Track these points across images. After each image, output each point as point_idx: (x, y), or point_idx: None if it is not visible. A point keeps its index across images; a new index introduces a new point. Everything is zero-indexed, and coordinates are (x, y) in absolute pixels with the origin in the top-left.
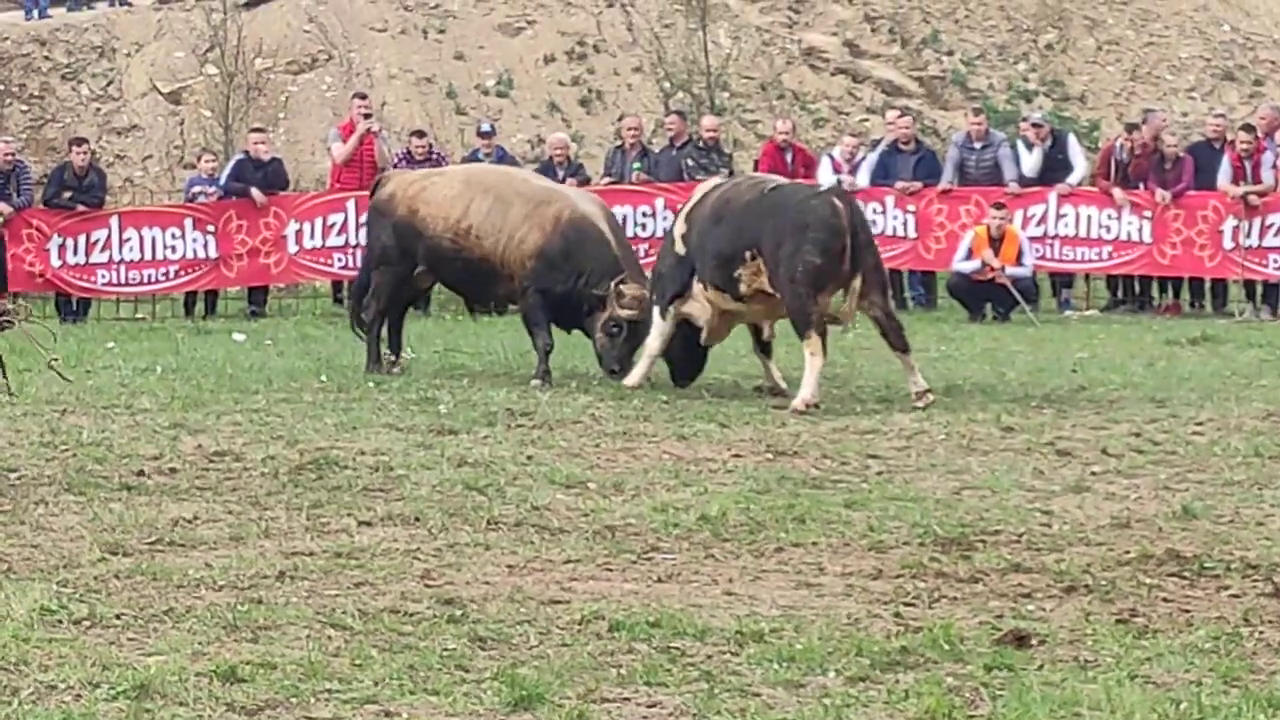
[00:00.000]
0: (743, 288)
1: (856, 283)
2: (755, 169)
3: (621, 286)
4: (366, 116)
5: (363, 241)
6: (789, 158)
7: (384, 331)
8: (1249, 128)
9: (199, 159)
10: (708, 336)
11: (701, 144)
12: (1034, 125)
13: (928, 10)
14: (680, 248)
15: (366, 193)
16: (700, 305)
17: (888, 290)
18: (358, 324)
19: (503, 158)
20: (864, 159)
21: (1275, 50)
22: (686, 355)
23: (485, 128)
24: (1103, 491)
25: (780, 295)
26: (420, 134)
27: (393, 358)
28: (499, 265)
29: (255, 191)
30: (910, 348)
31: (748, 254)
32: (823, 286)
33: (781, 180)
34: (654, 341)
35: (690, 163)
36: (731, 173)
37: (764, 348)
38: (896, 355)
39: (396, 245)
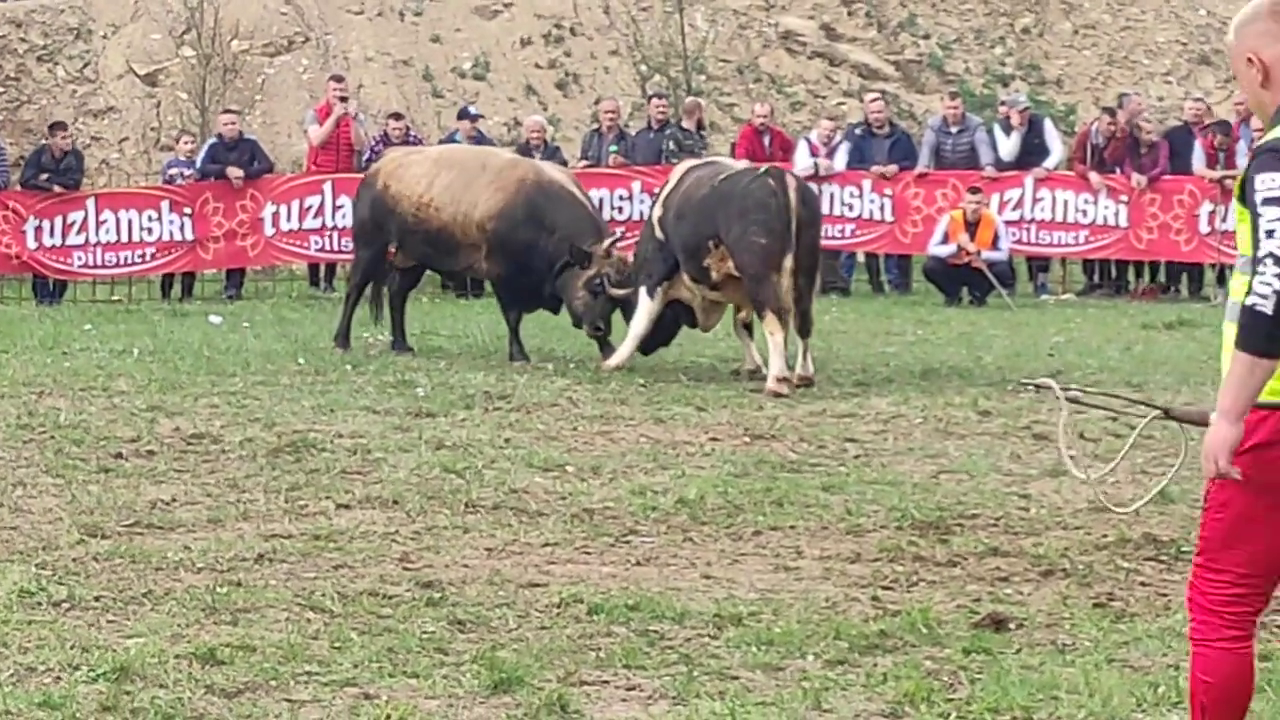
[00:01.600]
0: (714, 275)
1: (788, 261)
2: (732, 152)
3: (608, 248)
4: (343, 99)
5: (339, 224)
6: (766, 141)
7: (357, 310)
8: (1224, 124)
9: (178, 140)
10: (704, 321)
11: (684, 127)
12: (1016, 109)
13: None
14: (659, 233)
15: (343, 175)
16: (686, 293)
17: (815, 275)
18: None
19: (480, 141)
20: (840, 143)
21: None
22: (655, 328)
23: (472, 110)
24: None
25: (741, 276)
26: (397, 116)
27: (384, 338)
28: (459, 233)
29: (232, 171)
30: (811, 333)
31: (710, 244)
32: (776, 264)
33: (732, 168)
34: (639, 323)
35: (672, 145)
36: (699, 152)
37: (745, 328)
38: (796, 336)
39: (371, 220)
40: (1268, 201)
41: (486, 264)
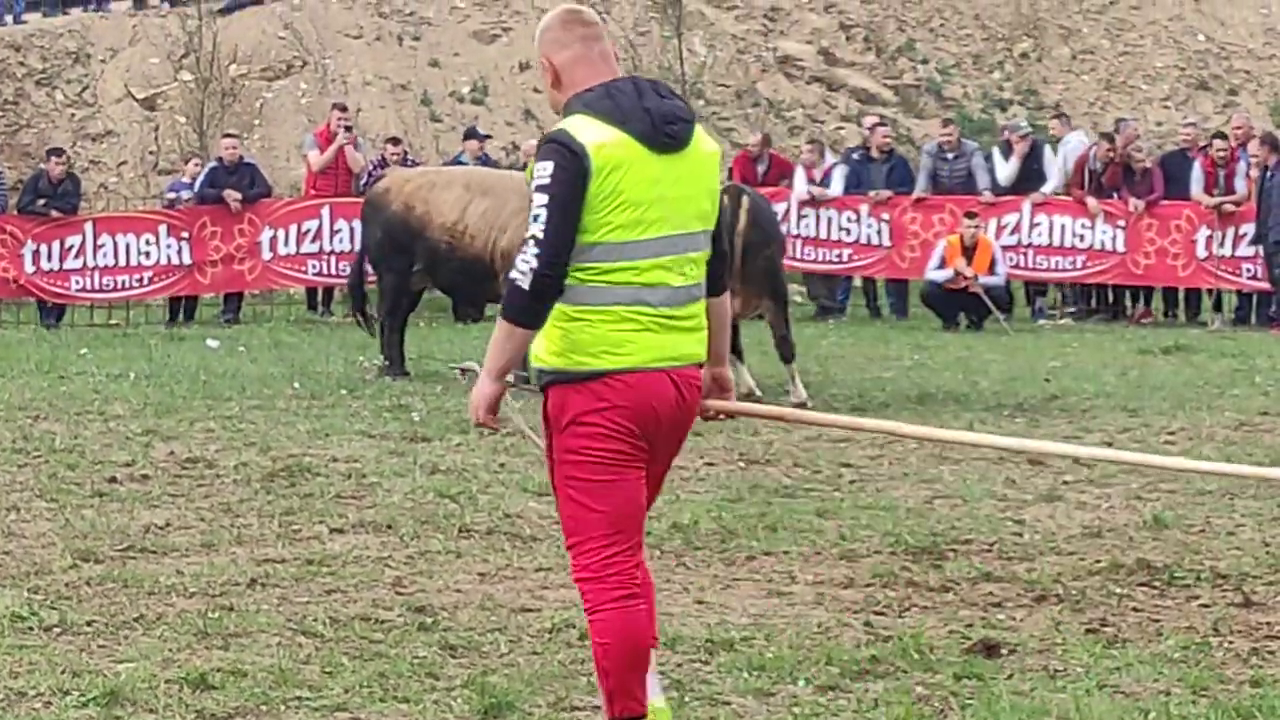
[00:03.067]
0: None
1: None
2: (729, 178)
3: None
4: (348, 129)
5: (337, 248)
6: (761, 169)
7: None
8: (1222, 135)
9: (186, 162)
10: None
11: None
12: (1017, 134)
13: (903, 19)
14: None
15: (341, 199)
16: None
17: (782, 298)
18: (366, 319)
19: (485, 163)
20: (835, 165)
21: (1249, 60)
22: None
23: (482, 132)
24: (1074, 501)
25: None
26: (395, 141)
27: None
28: (489, 261)
29: (229, 194)
30: (794, 357)
31: None
32: None
33: None
34: None
35: None
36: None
37: (734, 353)
38: (780, 364)
39: (390, 242)
40: (539, 188)
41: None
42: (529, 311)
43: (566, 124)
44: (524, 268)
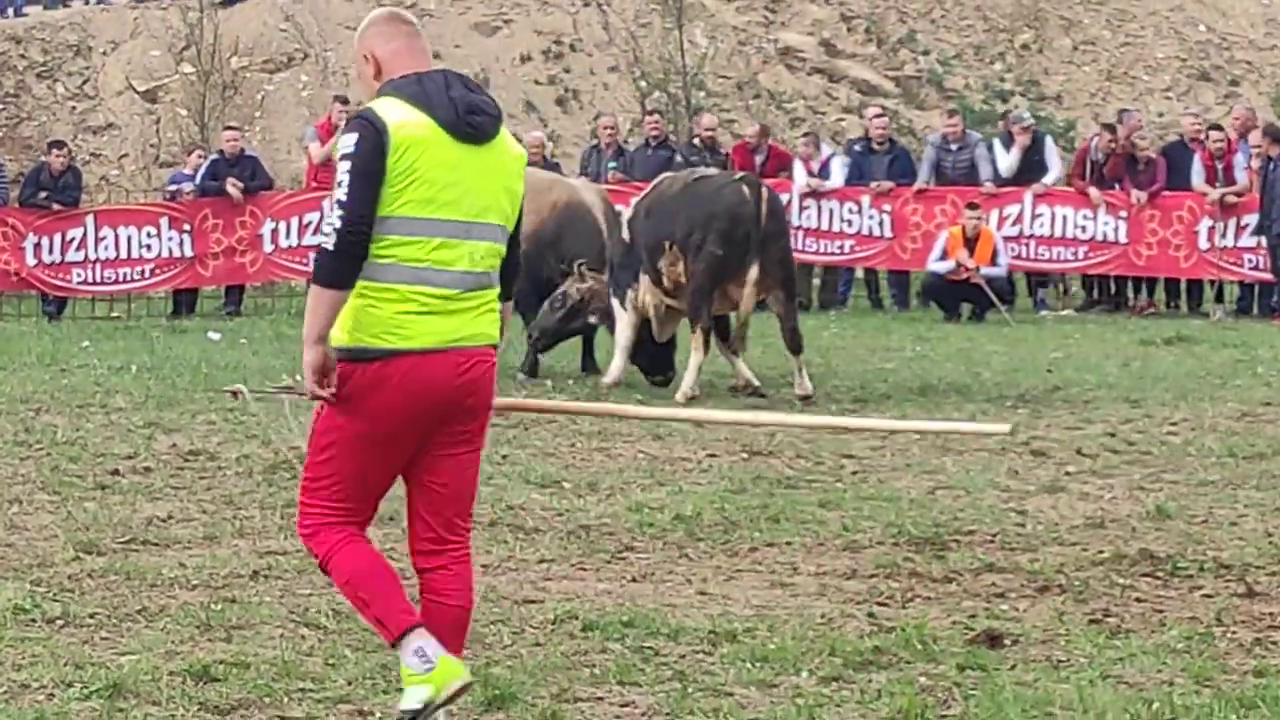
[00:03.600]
0: (665, 280)
1: (753, 272)
2: (729, 167)
3: (585, 269)
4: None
5: None
6: (759, 160)
7: None
8: (1218, 126)
9: (189, 154)
10: (659, 330)
11: (697, 142)
12: (1022, 126)
13: (904, 10)
14: (627, 234)
15: None
16: (648, 298)
17: (792, 288)
18: None
19: None
20: (833, 156)
21: (1251, 50)
22: (651, 352)
23: None
24: (1077, 491)
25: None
26: None
27: None
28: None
29: (231, 184)
30: (803, 350)
31: (666, 244)
32: (723, 279)
33: (710, 171)
34: (623, 334)
35: (680, 159)
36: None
37: (731, 347)
38: (788, 355)
39: None
40: (343, 157)
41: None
42: (337, 273)
43: (374, 103)
44: (328, 229)
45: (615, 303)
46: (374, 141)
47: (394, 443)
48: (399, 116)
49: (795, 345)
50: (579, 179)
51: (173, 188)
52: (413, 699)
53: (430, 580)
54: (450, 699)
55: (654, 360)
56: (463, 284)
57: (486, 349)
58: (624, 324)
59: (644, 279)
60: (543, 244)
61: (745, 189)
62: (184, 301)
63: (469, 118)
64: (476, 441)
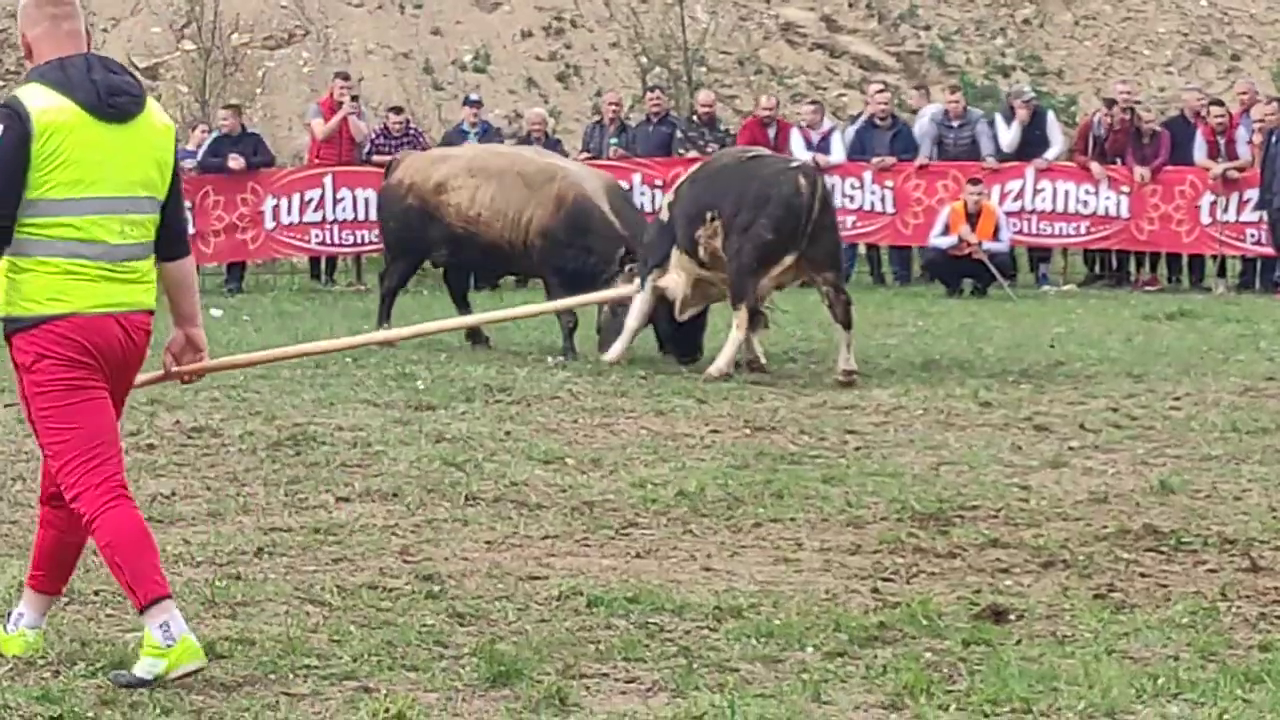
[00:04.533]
0: (701, 251)
1: (789, 259)
2: (733, 143)
3: (633, 268)
4: (354, 99)
5: (340, 217)
6: (771, 133)
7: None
8: (1219, 102)
9: (192, 129)
10: (681, 308)
11: (696, 118)
12: (1021, 100)
13: None
14: (665, 214)
15: (344, 168)
16: (674, 276)
17: (840, 268)
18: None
19: (486, 130)
20: (835, 129)
21: (1252, 25)
22: (677, 335)
23: (474, 98)
24: (1080, 466)
25: (727, 259)
26: (397, 110)
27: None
28: (508, 246)
29: (233, 159)
30: (853, 324)
31: (708, 214)
32: (768, 262)
33: (764, 151)
34: (634, 315)
35: (680, 135)
36: (723, 146)
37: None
38: (837, 329)
39: (408, 232)
40: None
41: (542, 269)
42: None
43: (19, 91)
44: None
45: (635, 284)
46: (18, 131)
47: (92, 382)
48: (42, 103)
49: (848, 320)
50: (578, 165)
51: (184, 163)
52: (145, 669)
53: (56, 515)
54: (180, 677)
55: (682, 342)
56: (115, 256)
57: (142, 314)
58: (638, 304)
59: (675, 255)
60: (555, 241)
61: (802, 180)
62: None
63: (111, 99)
64: (123, 400)
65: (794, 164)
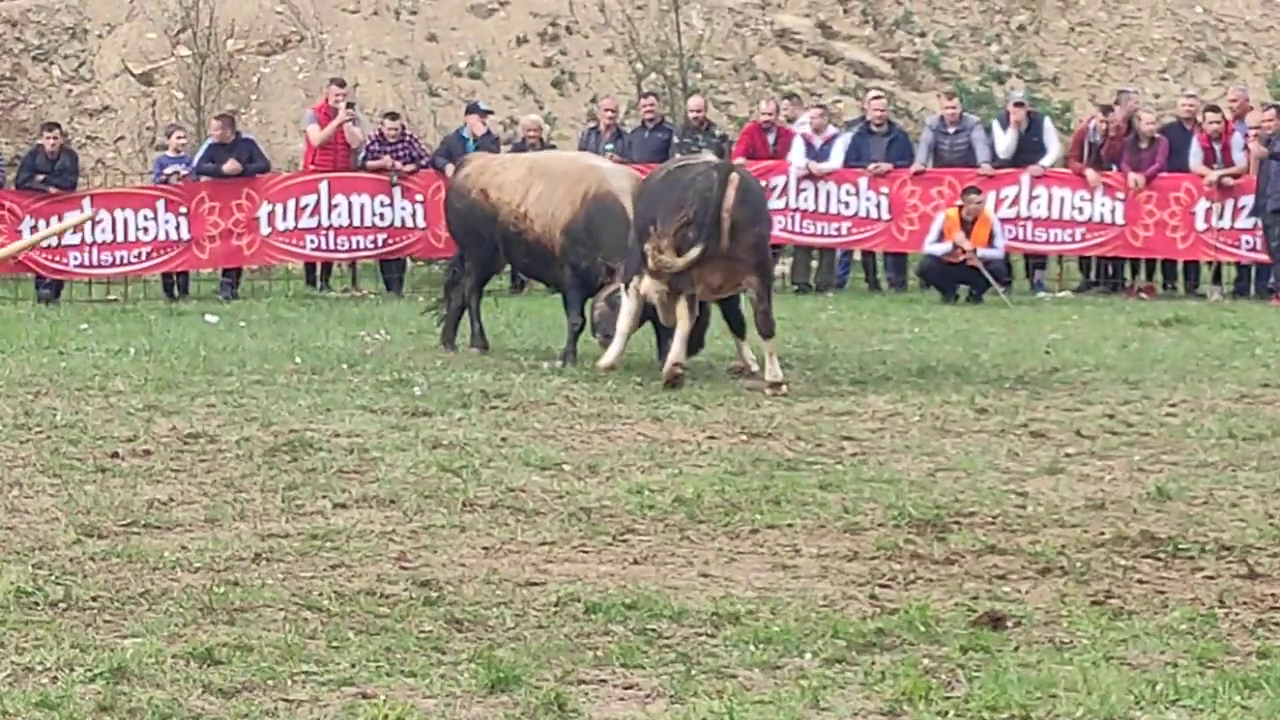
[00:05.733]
0: (650, 263)
1: (698, 251)
2: (730, 148)
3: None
4: (349, 105)
5: (335, 223)
6: (771, 139)
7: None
8: (1215, 108)
9: (170, 135)
10: (663, 315)
11: (695, 122)
12: (1017, 105)
13: None
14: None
15: (339, 174)
16: (650, 282)
17: (766, 273)
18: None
19: (486, 137)
20: (837, 135)
21: (1247, 32)
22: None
23: (482, 106)
24: (1077, 473)
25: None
26: (393, 116)
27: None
28: (546, 246)
29: (230, 163)
30: (774, 334)
31: (651, 228)
32: (678, 249)
33: (692, 160)
34: (624, 321)
35: (676, 141)
36: (721, 152)
37: (736, 329)
38: (761, 339)
39: (470, 229)
40: None
41: (562, 269)
42: None
43: None
44: None
45: (622, 289)
46: None
47: None
48: None
49: (768, 330)
50: (611, 164)
51: (168, 171)
52: None
53: None
54: None
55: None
56: None
57: None
58: (626, 312)
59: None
60: (574, 237)
61: (715, 174)
62: (175, 283)
63: None
64: None
65: (716, 164)
